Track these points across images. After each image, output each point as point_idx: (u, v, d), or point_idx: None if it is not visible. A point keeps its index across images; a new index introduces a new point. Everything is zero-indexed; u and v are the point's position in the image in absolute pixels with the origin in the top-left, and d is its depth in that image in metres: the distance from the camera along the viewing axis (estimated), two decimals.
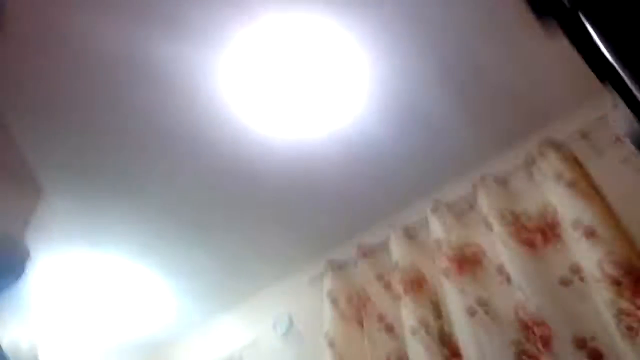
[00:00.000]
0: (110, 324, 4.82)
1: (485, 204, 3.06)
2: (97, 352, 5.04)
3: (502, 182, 3.13)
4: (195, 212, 3.65)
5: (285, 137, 3.07)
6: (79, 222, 3.62)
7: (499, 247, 2.87)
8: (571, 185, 2.74)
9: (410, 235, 3.47)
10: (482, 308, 2.80)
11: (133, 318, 4.81)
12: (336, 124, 3.05)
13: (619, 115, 2.69)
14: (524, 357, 2.60)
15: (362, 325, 3.46)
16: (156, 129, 2.94)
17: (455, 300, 2.91)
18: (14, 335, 1.68)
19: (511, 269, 2.77)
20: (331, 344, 3.48)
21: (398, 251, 3.40)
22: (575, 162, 2.85)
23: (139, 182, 3.34)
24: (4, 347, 1.60)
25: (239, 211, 3.65)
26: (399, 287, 3.26)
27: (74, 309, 4.46)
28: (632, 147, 2.59)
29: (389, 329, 3.29)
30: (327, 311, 3.64)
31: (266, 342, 4.34)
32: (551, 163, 2.88)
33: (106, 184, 3.33)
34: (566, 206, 2.71)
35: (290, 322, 4.23)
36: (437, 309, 3.12)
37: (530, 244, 2.80)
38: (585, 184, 2.74)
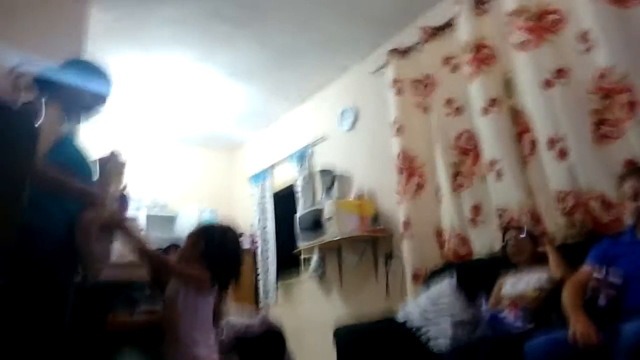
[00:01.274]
0: (186, 124, 5.14)
1: None
2: (178, 151, 5.48)
3: None
4: (245, 10, 3.46)
5: None
6: (130, 28, 3.58)
7: (585, 8, 2.49)
8: None
9: (480, 8, 3.10)
10: (560, 79, 2.56)
11: (209, 118, 5.09)
12: None
13: None
14: (603, 126, 2.43)
15: (430, 110, 3.38)
16: None
17: (530, 73, 2.68)
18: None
19: (598, 31, 2.42)
20: (398, 132, 3.49)
21: (467, 28, 3.09)
22: None
23: None
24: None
25: (289, 2, 3.41)
26: (468, 68, 3.05)
27: (149, 110, 4.74)
28: None
29: (458, 111, 3.19)
30: (393, 100, 3.57)
31: (334, 135, 4.46)
32: None
33: None
34: None
35: (357, 115, 4.24)
36: (509, 87, 2.93)
37: (621, 1, 2.40)
38: None
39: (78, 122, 1.86)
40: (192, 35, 3.71)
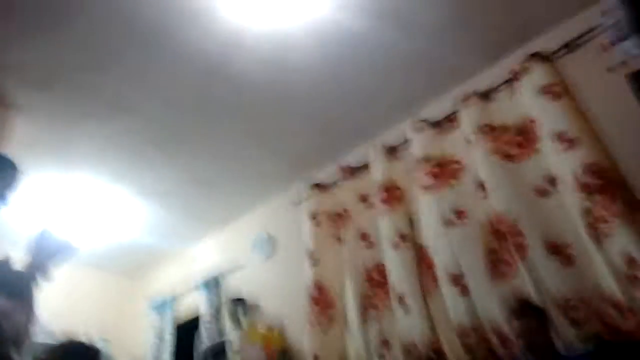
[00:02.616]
0: (90, 247, 4.85)
1: (466, 119, 3.03)
2: (76, 274, 5.07)
3: (485, 97, 3.08)
4: (168, 133, 3.57)
5: (260, 27, 2.80)
6: (51, 145, 3.55)
7: (478, 160, 2.88)
8: (554, 97, 2.70)
9: (391, 153, 3.46)
10: (458, 218, 2.83)
11: (114, 241, 4.86)
12: (312, 19, 2.78)
13: (609, 20, 2.66)
14: (498, 264, 2.65)
15: (343, 242, 3.51)
16: (129, 34, 2.79)
17: (432, 212, 2.95)
18: None
19: (488, 180, 2.78)
20: (313, 262, 3.55)
21: (379, 169, 3.40)
22: (559, 75, 2.80)
23: (110, 103, 3.23)
24: None
25: (215, 130, 3.57)
26: (379, 204, 3.29)
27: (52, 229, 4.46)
28: (621, 54, 2.57)
29: (369, 243, 3.34)
30: (309, 231, 3.68)
31: (248, 263, 4.40)
32: (535, 76, 2.83)
33: (76, 104, 3.22)
34: (547, 118, 2.69)
35: (272, 244, 4.27)
36: (415, 225, 3.16)
37: (508, 156, 2.81)
38: (567, 96, 2.71)
39: None
40: (114, 153, 3.72)
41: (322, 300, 3.40)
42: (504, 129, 2.90)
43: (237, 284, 4.35)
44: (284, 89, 3.22)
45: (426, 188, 3.03)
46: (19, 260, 1.65)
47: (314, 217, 3.71)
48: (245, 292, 4.15)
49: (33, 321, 1.56)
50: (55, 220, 4.31)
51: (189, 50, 2.89)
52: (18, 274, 1.57)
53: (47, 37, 2.74)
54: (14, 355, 1.50)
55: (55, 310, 4.66)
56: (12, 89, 3.07)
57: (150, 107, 3.31)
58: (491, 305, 2.56)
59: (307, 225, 3.73)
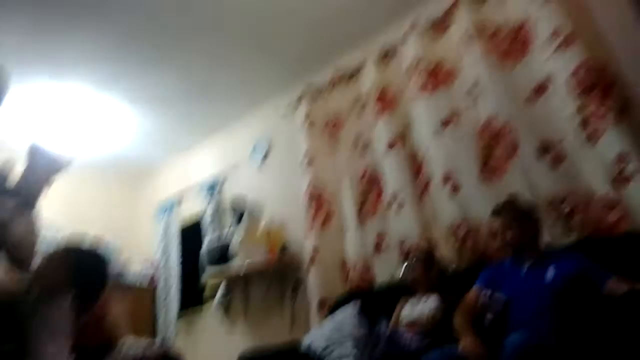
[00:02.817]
0: (91, 151, 4.90)
1: (460, 20, 2.98)
2: (81, 178, 5.17)
3: None
4: (162, 36, 3.46)
5: None
6: (38, 51, 3.44)
7: (471, 62, 2.87)
8: None
9: (387, 56, 3.42)
10: (453, 121, 2.88)
11: (118, 145, 4.90)
12: None
13: None
14: (491, 164, 2.74)
15: (338, 147, 3.58)
16: None
17: (427, 115, 3.00)
18: None
19: (482, 82, 2.79)
20: (308, 166, 3.64)
21: (374, 73, 3.39)
22: None
23: (98, 5, 3.09)
24: None
25: (210, 33, 3.47)
26: (374, 109, 3.31)
27: (47, 140, 4.47)
28: None
29: (364, 148, 3.41)
30: (304, 135, 3.73)
31: (246, 167, 4.51)
32: None
33: (61, 6, 3.08)
34: (542, 16, 2.64)
35: (269, 148, 4.35)
36: (409, 127, 3.21)
37: (501, 57, 2.81)
38: None
39: None
40: (105, 59, 3.62)
41: (318, 202, 3.55)
42: (498, 29, 2.86)
43: (237, 188, 4.49)
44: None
45: (420, 92, 3.04)
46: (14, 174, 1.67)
47: (309, 121, 3.74)
48: (245, 195, 4.29)
49: (36, 231, 1.61)
50: (49, 131, 4.30)
51: None
52: (17, 187, 1.59)
53: None
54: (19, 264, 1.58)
55: (65, 217, 4.84)
56: None
57: (140, 10, 3.19)
58: (482, 203, 2.69)
59: (302, 129, 3.77)
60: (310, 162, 3.63)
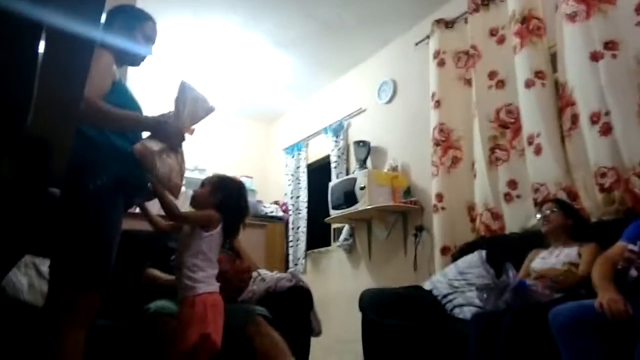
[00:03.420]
0: (228, 92, 5.20)
1: None
2: (218, 119, 5.51)
3: None
4: None
5: None
6: None
7: None
8: None
9: None
10: (609, 52, 2.47)
11: (250, 87, 5.12)
12: None
13: None
14: None
15: (470, 85, 3.32)
16: None
17: (577, 46, 2.59)
18: None
19: None
20: (437, 105, 3.45)
21: None
22: None
23: None
24: None
25: None
26: (515, 39, 2.97)
27: (193, 75, 4.79)
28: None
29: (501, 84, 3.11)
30: (433, 73, 3.53)
31: (372, 108, 4.44)
32: None
33: None
34: None
35: (395, 88, 4.20)
36: (555, 60, 2.85)
37: None
38: None
39: (125, 66, 1.91)
40: (241, 0, 3.73)
41: (445, 143, 3.38)
42: None
43: (362, 129, 4.47)
44: None
45: (571, 16, 2.62)
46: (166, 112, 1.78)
47: (438, 57, 3.51)
48: (369, 136, 4.26)
49: (180, 171, 1.74)
50: (190, 70, 4.61)
51: None
52: (166, 125, 1.70)
53: None
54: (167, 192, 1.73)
55: (205, 151, 5.27)
56: None
57: None
58: (638, 146, 2.32)
59: (431, 67, 3.56)
60: (438, 103, 3.44)
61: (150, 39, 1.86)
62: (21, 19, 0.59)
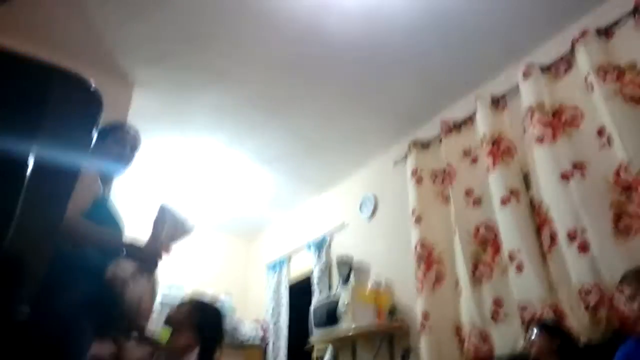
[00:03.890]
0: (210, 208, 5.21)
1: (584, 59, 2.71)
2: (198, 235, 5.47)
3: (605, 34, 2.75)
4: (272, 99, 3.69)
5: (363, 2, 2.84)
6: (171, 113, 3.81)
7: (601, 107, 2.56)
8: None
9: (499, 104, 3.25)
10: (578, 172, 2.59)
11: (231, 203, 5.16)
12: None
13: None
14: (625, 217, 2.40)
15: (448, 200, 3.41)
16: (222, 11, 2.90)
17: (548, 167, 2.72)
18: None
19: (614, 128, 2.47)
20: (417, 222, 3.50)
21: (485, 122, 3.20)
22: None
23: (222, 74, 3.40)
24: None
25: (320, 95, 3.63)
26: (487, 160, 3.12)
27: (172, 191, 4.84)
28: None
29: (477, 202, 3.20)
30: (412, 190, 3.62)
31: (354, 224, 4.47)
32: None
33: (185, 78, 3.44)
34: None
35: (377, 204, 4.28)
36: (527, 180, 2.97)
37: (634, 98, 2.48)
38: None
39: (109, 183, 1.93)
40: (227, 121, 3.93)
41: (428, 260, 3.36)
42: (629, 67, 2.57)
43: (345, 244, 4.46)
44: (380, 43, 3.13)
45: (540, 140, 2.79)
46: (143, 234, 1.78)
47: (416, 175, 3.64)
48: (352, 252, 4.24)
49: (152, 293, 1.72)
50: (175, 186, 4.67)
51: (294, 26, 2.99)
52: (142, 248, 1.69)
53: (154, 17, 2.93)
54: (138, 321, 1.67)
55: (186, 269, 5.13)
56: (130, 66, 3.34)
57: (250, 75, 3.43)
58: (616, 264, 2.33)
59: (409, 184, 3.67)
60: (419, 219, 3.49)
61: (134, 148, 1.91)
62: (10, 155, 0.60)
